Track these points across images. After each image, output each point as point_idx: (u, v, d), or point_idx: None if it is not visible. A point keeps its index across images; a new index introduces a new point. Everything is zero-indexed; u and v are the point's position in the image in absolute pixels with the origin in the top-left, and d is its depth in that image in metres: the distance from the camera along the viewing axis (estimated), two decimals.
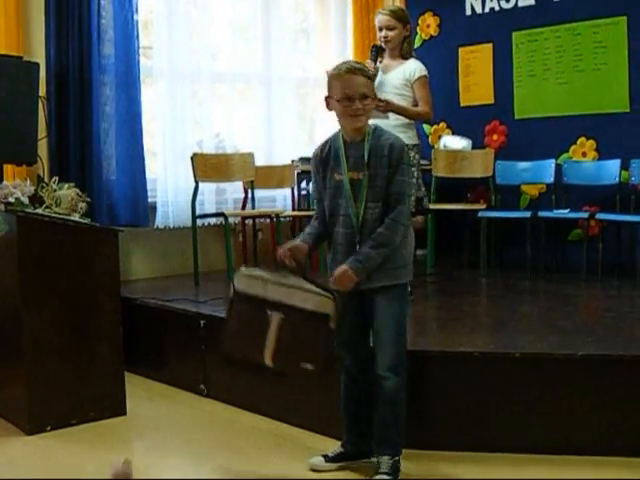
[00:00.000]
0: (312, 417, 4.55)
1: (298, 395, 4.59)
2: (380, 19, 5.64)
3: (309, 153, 7.61)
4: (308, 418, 4.58)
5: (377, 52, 5.63)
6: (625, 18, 7.22)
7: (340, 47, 8.65)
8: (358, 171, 3.77)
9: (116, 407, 4.89)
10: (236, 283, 3.83)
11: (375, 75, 5.45)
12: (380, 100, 5.32)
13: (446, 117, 8.34)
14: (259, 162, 7.64)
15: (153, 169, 7.11)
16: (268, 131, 8.08)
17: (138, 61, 6.73)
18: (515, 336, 4.72)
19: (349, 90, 3.76)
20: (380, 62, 5.66)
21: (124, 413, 4.90)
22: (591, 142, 7.43)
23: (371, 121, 5.61)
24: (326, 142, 3.97)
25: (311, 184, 3.60)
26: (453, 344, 4.46)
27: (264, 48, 8.04)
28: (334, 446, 4.06)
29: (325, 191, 3.88)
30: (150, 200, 6.91)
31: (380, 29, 5.65)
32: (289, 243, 3.85)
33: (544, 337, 4.60)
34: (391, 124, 5.53)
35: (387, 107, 5.41)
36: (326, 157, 3.91)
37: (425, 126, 8.23)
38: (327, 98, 3.89)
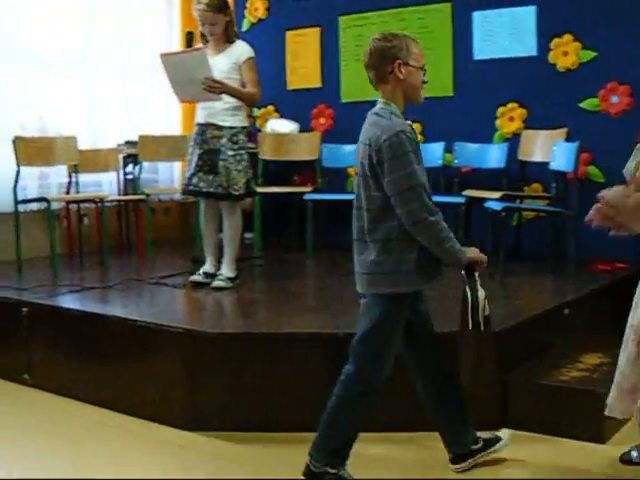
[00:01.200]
0: (142, 404, 4.48)
1: (126, 382, 4.52)
2: (199, 15, 5.49)
3: (134, 136, 7.56)
4: (138, 406, 4.50)
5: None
6: (450, 5, 7.35)
7: (168, 28, 8.52)
8: None
9: None
10: None
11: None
12: (215, 81, 5.25)
13: (273, 100, 8.32)
14: (83, 146, 7.42)
15: None
16: (92, 114, 7.88)
17: None
18: (341, 317, 4.73)
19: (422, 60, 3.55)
20: (205, 46, 5.55)
21: None
22: (416, 126, 7.50)
23: (204, 103, 5.58)
24: (403, 122, 3.56)
25: (415, 168, 3.26)
26: (278, 326, 4.45)
27: (88, 29, 7.83)
28: (167, 434, 4.00)
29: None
30: None
31: (202, 23, 5.52)
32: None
33: None
34: (221, 107, 5.50)
35: (222, 89, 5.33)
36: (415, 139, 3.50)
37: (253, 109, 8.18)
38: (399, 63, 3.44)
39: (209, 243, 5.87)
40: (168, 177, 8.70)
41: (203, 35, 5.58)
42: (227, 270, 5.70)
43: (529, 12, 6.96)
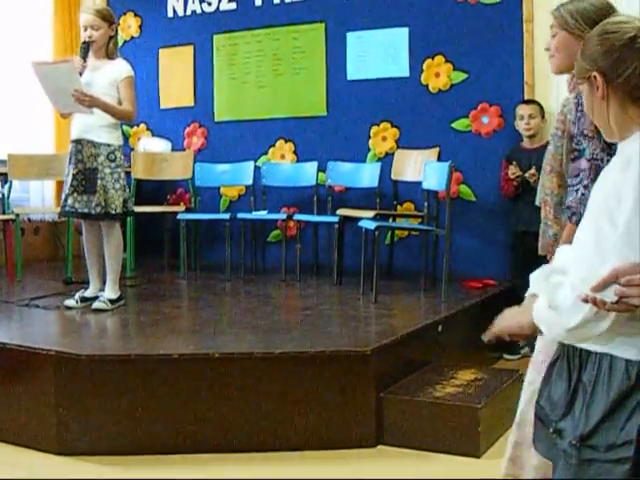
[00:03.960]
0: (12, 430, 4.35)
1: None
2: (85, 18, 5.45)
3: (3, 155, 7.37)
4: (8, 431, 4.37)
5: (87, 49, 5.43)
6: (323, 25, 7.40)
7: (40, 43, 8.35)
8: None
9: None
10: None
11: (82, 72, 5.32)
12: (85, 95, 5.17)
13: (146, 119, 8.25)
14: None
15: None
16: None
17: None
18: (215, 337, 4.69)
19: None
20: (84, 62, 5.46)
21: None
22: (290, 145, 7.57)
23: (78, 118, 5.48)
24: None
25: None
26: (152, 347, 4.38)
27: None
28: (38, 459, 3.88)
29: None
30: None
31: (85, 28, 5.45)
32: None
33: (243, 337, 4.62)
34: (98, 124, 5.42)
35: (92, 102, 5.24)
36: None
37: (125, 128, 8.07)
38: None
39: (91, 265, 5.74)
40: (39, 196, 8.50)
41: (83, 49, 5.47)
42: (109, 291, 5.59)
43: (402, 33, 7.05)
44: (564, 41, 2.94)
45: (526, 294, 2.16)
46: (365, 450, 4.12)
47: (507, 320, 2.16)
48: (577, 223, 2.51)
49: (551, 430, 2.05)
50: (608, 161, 2.40)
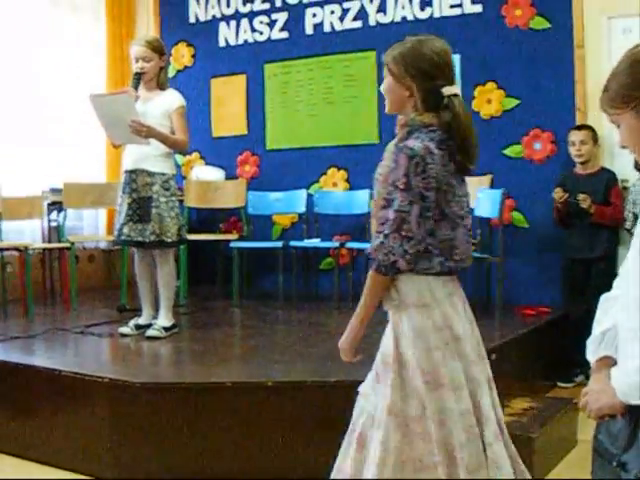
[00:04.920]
0: (67, 456, 4.41)
1: (51, 433, 4.45)
2: (136, 50, 5.50)
3: (59, 184, 7.47)
4: (63, 457, 4.44)
5: (139, 80, 5.48)
6: (374, 53, 7.41)
7: (94, 75, 8.47)
8: None
9: None
10: None
11: (135, 102, 5.37)
12: (143, 125, 5.22)
13: (199, 148, 8.31)
14: (7, 193, 7.29)
15: None
16: (16, 161, 7.74)
17: None
18: (267, 365, 4.69)
19: None
20: (137, 94, 5.52)
21: None
22: (342, 172, 7.58)
23: (132, 149, 5.54)
24: None
25: None
26: (205, 375, 4.39)
27: (11, 75, 7.73)
28: None
29: None
30: None
31: (136, 60, 5.51)
32: None
33: (296, 365, 4.62)
34: (152, 153, 5.47)
35: (149, 132, 5.29)
36: None
37: (178, 156, 8.14)
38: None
39: (144, 293, 5.79)
40: (93, 224, 8.61)
41: (135, 80, 5.52)
42: (162, 319, 5.63)
43: (453, 60, 7.03)
44: (389, 85, 2.95)
45: (590, 359, 2.16)
46: None
47: (596, 403, 2.09)
48: (377, 271, 2.73)
49: (614, 464, 2.02)
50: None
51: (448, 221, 2.78)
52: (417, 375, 2.76)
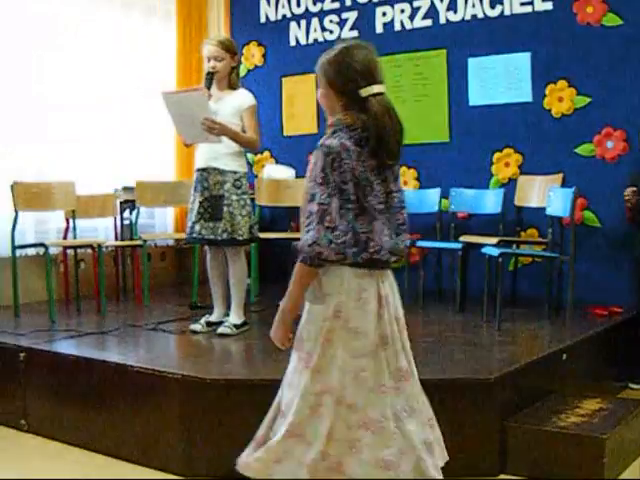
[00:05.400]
0: (138, 450, 4.47)
1: (122, 428, 4.51)
2: (208, 49, 5.55)
3: (132, 182, 7.58)
4: (134, 451, 4.49)
5: (211, 79, 5.53)
6: (445, 51, 7.41)
7: (164, 75, 8.57)
8: None
9: None
10: None
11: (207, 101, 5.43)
12: (215, 123, 5.27)
13: (270, 146, 8.36)
14: (81, 191, 7.43)
15: None
16: (90, 159, 7.89)
17: None
18: None
19: None
20: (209, 92, 5.57)
21: None
22: (412, 171, 7.57)
23: (205, 147, 5.59)
24: None
25: None
26: (278, 373, 4.41)
27: (85, 75, 7.87)
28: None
29: None
30: None
31: (208, 59, 5.56)
32: None
33: None
34: (224, 152, 5.52)
35: (221, 130, 5.35)
36: None
37: (249, 155, 8.20)
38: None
39: (216, 291, 5.86)
40: (164, 222, 8.71)
41: (208, 80, 5.58)
42: (234, 316, 5.69)
43: (524, 58, 7.01)
44: (321, 92, 3.11)
45: None
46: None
47: None
48: (303, 262, 2.85)
49: None
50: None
51: (366, 214, 2.94)
52: (301, 354, 3.03)
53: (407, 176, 7.58)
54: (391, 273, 3.09)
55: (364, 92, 2.98)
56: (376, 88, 3.01)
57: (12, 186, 6.68)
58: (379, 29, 7.82)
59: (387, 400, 2.94)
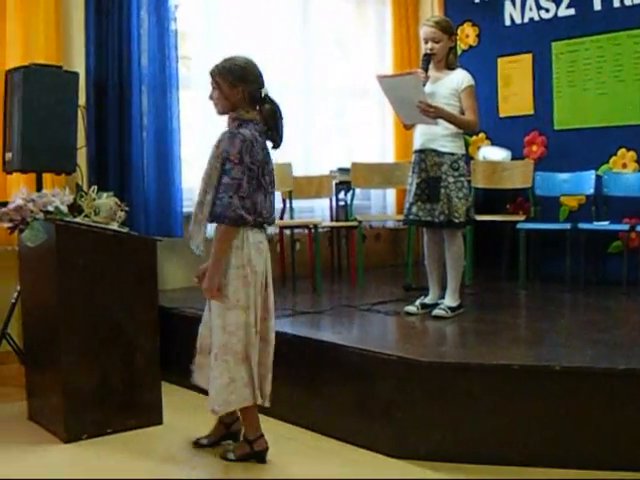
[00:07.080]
0: (352, 430, 4.54)
1: (336, 407, 4.60)
2: (425, 31, 5.58)
3: (347, 163, 7.71)
4: (348, 431, 4.57)
5: (428, 61, 5.56)
6: None
7: (379, 57, 8.66)
8: None
9: (152, 416, 4.88)
10: None
11: (424, 84, 5.47)
12: (430, 106, 5.31)
13: (485, 128, 8.29)
14: (297, 172, 7.61)
15: (189, 178, 6.89)
16: (307, 141, 8.06)
17: (177, 71, 6.71)
18: (554, 349, 4.67)
19: None
20: (426, 74, 5.59)
21: (160, 422, 4.90)
22: (632, 153, 7.36)
23: (423, 129, 5.64)
24: None
25: None
26: (492, 357, 4.41)
27: (302, 58, 8.05)
28: (372, 459, 4.01)
29: None
30: (186, 210, 6.74)
31: (426, 41, 5.59)
32: None
33: (584, 350, 4.56)
34: (441, 133, 5.56)
35: (437, 113, 5.39)
36: None
37: (465, 137, 8.16)
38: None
39: (432, 272, 5.89)
40: (380, 204, 8.78)
41: (425, 61, 5.61)
42: (449, 299, 5.70)
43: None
44: (218, 93, 4.21)
45: None
46: None
47: None
48: (229, 224, 3.97)
49: None
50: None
51: (261, 189, 4.05)
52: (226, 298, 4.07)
53: (626, 158, 7.37)
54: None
55: (263, 91, 4.12)
56: (266, 89, 4.15)
57: None
58: (597, 6, 7.60)
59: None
